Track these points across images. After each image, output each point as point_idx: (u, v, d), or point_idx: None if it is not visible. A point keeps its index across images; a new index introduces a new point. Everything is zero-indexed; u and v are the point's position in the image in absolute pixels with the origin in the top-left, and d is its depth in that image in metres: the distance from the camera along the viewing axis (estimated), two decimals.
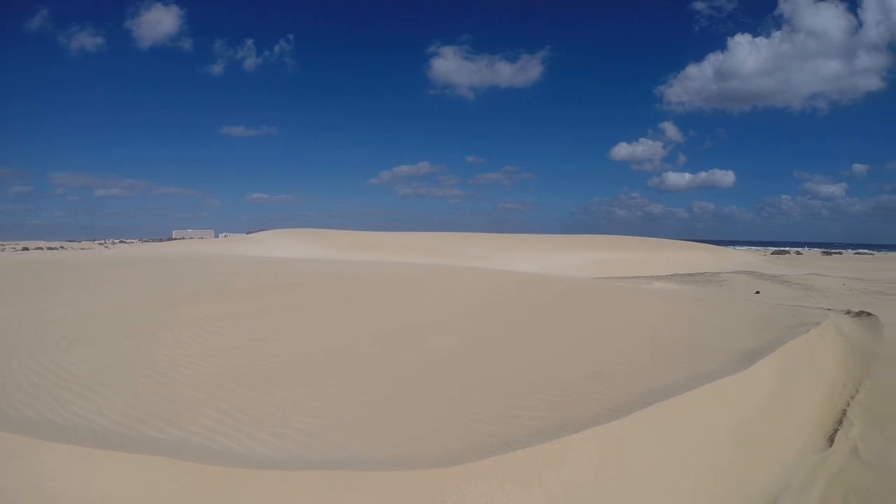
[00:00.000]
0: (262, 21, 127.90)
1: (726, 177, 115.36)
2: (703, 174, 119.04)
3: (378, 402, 5.19)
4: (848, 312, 10.96)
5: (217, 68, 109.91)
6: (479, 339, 7.70)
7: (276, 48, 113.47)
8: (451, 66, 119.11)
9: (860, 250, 73.28)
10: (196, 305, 9.67)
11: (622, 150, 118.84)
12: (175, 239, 66.88)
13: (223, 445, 4.17)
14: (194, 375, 5.84)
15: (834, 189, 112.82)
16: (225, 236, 66.52)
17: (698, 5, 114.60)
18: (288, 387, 5.50)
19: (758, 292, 18.65)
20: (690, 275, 27.35)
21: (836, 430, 5.95)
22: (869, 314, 10.53)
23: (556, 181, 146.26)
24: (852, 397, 6.74)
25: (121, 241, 65.83)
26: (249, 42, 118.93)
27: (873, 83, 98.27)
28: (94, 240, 69.22)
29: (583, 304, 10.72)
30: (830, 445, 5.66)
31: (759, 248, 73.24)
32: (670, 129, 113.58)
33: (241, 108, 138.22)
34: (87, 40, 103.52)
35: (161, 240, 68.59)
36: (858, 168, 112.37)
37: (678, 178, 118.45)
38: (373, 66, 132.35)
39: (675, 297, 13.79)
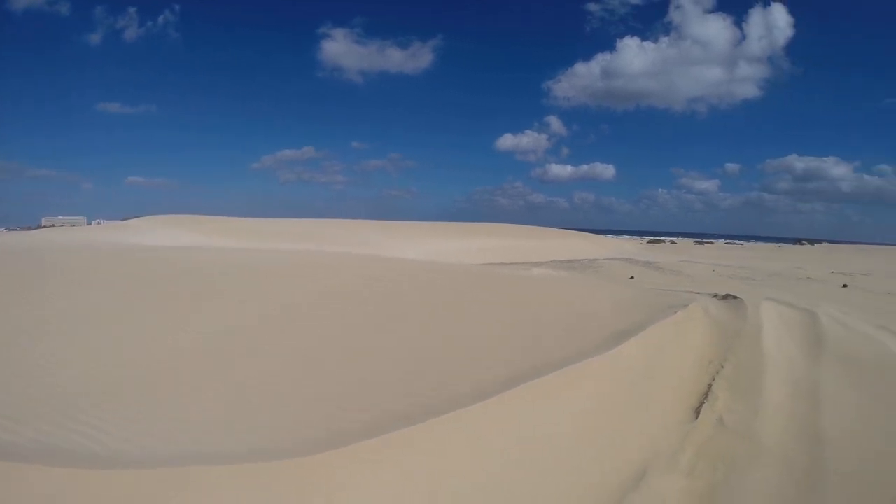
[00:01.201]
0: None
1: (607, 170, 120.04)
2: (584, 167, 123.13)
3: (238, 395, 5.02)
4: (715, 295, 11.53)
5: (95, 37, 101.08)
6: (350, 327, 7.58)
7: (161, 19, 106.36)
8: (341, 48, 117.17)
9: (730, 241, 77.49)
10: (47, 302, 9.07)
11: (507, 141, 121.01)
12: (45, 227, 62.73)
13: (79, 445, 3.94)
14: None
15: (707, 185, 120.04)
16: (99, 223, 62.86)
17: (591, 6, 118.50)
18: (139, 388, 5.23)
19: (632, 278, 19.39)
20: (569, 261, 28.13)
21: (702, 404, 6.24)
22: (735, 297, 11.12)
23: (440, 169, 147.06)
24: (717, 373, 7.08)
25: None
26: (132, 10, 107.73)
27: (750, 91, 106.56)
28: None
29: (459, 291, 10.77)
30: (697, 417, 5.91)
31: (636, 237, 76.16)
32: (555, 122, 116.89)
33: (119, 83, 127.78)
34: None
35: (30, 227, 64.20)
36: (731, 167, 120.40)
37: (561, 170, 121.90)
38: (260, 45, 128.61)
39: (553, 282, 14.11)
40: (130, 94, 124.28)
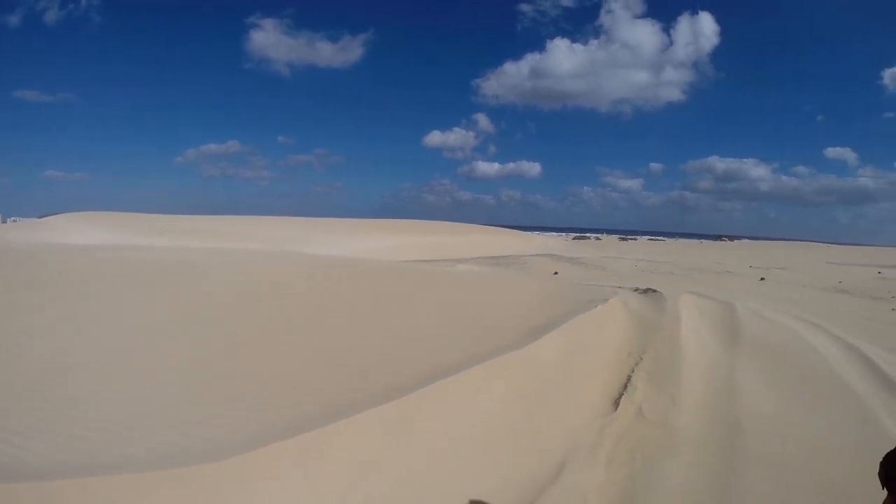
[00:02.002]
0: None
1: (533, 168, 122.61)
2: (511, 164, 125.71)
3: (151, 400, 4.82)
4: (636, 290, 11.72)
5: (14, 18, 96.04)
6: (265, 327, 7.38)
7: (83, 2, 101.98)
8: (269, 39, 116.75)
9: (653, 237, 79.36)
10: None
11: (435, 138, 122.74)
12: None
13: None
14: None
15: (631, 183, 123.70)
16: (14, 220, 60.09)
17: (524, 7, 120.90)
18: (34, 392, 4.96)
19: (556, 273, 19.60)
20: (494, 258, 28.24)
21: (621, 395, 6.31)
22: (654, 291, 11.32)
23: (367, 166, 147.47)
24: (637, 365, 7.20)
25: None
26: None
27: (674, 95, 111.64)
28: None
29: (381, 287, 10.68)
30: (616, 408, 5.97)
31: (561, 233, 77.21)
32: (483, 120, 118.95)
33: (38, 69, 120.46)
34: None
35: None
36: (654, 167, 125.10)
37: (488, 167, 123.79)
38: (187, 33, 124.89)
39: (477, 278, 14.13)
40: (49, 82, 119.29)
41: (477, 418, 5.01)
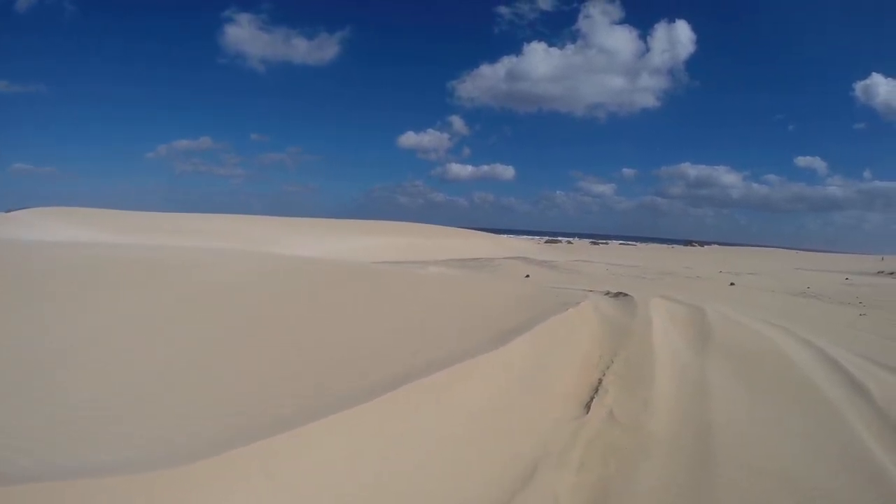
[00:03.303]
0: None
1: (507, 171, 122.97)
2: (485, 167, 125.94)
3: (111, 404, 4.69)
4: (607, 293, 11.76)
5: None
6: (228, 327, 7.22)
7: None
8: (244, 34, 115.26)
9: (624, 241, 79.99)
10: None
11: (409, 139, 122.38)
12: None
13: None
14: None
15: (604, 188, 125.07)
16: None
17: (502, 9, 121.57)
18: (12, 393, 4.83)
19: (528, 276, 19.60)
20: (465, 260, 28.25)
21: (592, 398, 6.27)
22: (626, 294, 11.36)
23: (341, 166, 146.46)
24: (608, 368, 7.18)
25: None
26: None
27: (649, 101, 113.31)
28: None
29: (348, 289, 10.57)
30: (587, 412, 5.93)
31: (534, 237, 77.53)
32: (458, 122, 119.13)
33: (6, 57, 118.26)
34: None
35: None
36: (627, 172, 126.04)
37: (461, 170, 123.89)
38: (161, 25, 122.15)
39: (447, 280, 14.10)
40: (19, 71, 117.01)
41: (443, 423, 4.93)
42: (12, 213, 45.80)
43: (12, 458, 3.53)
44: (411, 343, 6.72)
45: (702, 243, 78.14)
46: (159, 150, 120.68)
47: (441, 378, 5.22)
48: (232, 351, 6.14)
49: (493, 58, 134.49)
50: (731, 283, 19.79)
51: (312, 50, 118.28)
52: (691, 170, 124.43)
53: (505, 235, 62.69)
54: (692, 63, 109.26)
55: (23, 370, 5.22)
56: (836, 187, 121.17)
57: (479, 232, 53.96)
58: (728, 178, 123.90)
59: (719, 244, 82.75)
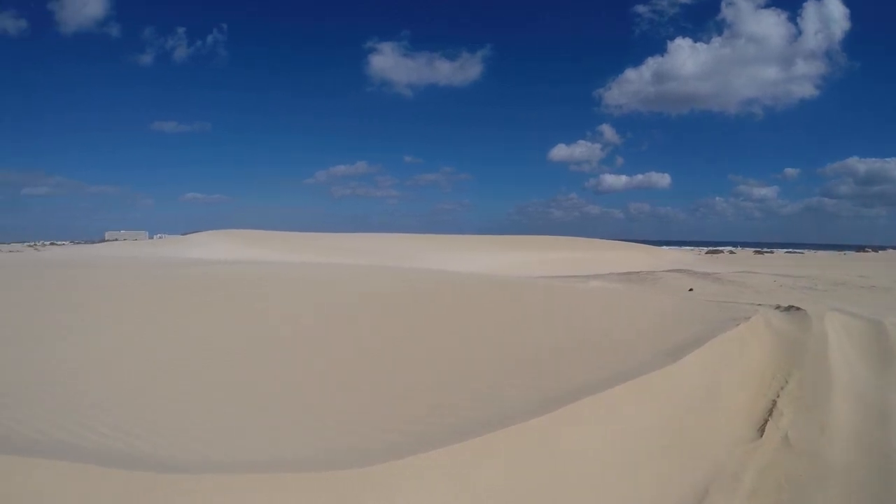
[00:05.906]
0: (194, 8, 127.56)
1: (662, 179, 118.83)
2: (639, 176, 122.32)
3: (285, 405, 5.03)
4: (778, 307, 11.25)
5: (146, 58, 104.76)
6: (395, 338, 7.56)
7: (209, 38, 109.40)
8: (389, 62, 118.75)
9: (790, 249, 75.82)
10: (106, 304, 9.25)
11: (560, 152, 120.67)
12: (108, 241, 64.32)
13: (137, 450, 3.98)
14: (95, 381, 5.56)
15: (766, 191, 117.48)
16: (160, 237, 64.52)
17: (640, 9, 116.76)
18: (166, 393, 5.24)
19: (691, 290, 19.03)
20: (626, 274, 27.75)
21: (766, 421, 6.08)
22: (798, 308, 10.84)
23: (493, 183, 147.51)
24: (782, 388, 6.91)
25: (51, 243, 62.82)
26: (181, 30, 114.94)
27: (807, 90, 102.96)
28: (24, 241, 65.58)
29: (511, 301, 10.72)
30: (761, 436, 5.77)
31: (693, 247, 75.00)
32: (608, 131, 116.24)
33: (173, 103, 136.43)
34: (8, 23, 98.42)
35: (94, 241, 65.86)
36: (790, 172, 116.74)
37: (615, 180, 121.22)
38: (309, 61, 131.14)
39: (609, 294, 13.95)
40: (184, 113, 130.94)
41: (617, 441, 4.96)
42: (188, 235, 49.71)
43: (203, 451, 3.89)
44: (579, 357, 6.79)
45: (876, 248, 72.75)
46: (318, 176, 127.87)
47: (612, 395, 5.24)
48: (400, 360, 6.45)
49: (636, 60, 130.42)
50: None
51: (456, 71, 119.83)
52: (860, 164, 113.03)
53: (663, 247, 61.08)
54: (849, 41, 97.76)
55: (193, 368, 5.71)
56: None
57: (637, 244, 52.91)
58: None
59: (895, 249, 76.94)
